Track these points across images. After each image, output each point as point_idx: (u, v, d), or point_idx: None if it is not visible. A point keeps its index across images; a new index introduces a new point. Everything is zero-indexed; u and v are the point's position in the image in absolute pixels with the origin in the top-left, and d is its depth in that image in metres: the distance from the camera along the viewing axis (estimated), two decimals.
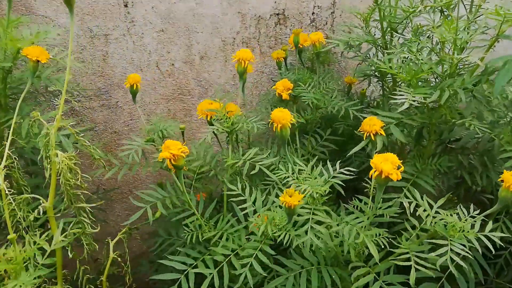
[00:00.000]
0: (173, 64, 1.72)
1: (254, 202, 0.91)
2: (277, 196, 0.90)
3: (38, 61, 0.92)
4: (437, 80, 1.04)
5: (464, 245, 0.77)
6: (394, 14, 1.12)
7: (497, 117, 1.07)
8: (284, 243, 0.78)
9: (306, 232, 0.76)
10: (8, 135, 0.89)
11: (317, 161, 1.26)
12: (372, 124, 0.91)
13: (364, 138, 0.93)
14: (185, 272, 0.93)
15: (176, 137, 1.34)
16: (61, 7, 1.50)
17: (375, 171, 0.79)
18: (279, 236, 0.79)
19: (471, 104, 1.03)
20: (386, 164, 0.78)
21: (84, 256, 0.89)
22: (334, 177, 0.86)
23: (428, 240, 0.80)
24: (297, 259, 0.91)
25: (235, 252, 0.89)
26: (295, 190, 0.77)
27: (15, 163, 0.90)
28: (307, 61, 1.79)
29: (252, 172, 0.93)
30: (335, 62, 1.85)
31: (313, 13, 1.79)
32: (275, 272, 0.92)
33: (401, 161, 0.78)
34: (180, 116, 1.81)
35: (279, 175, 0.85)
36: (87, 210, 0.94)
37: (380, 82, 1.33)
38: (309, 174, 0.84)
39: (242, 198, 0.93)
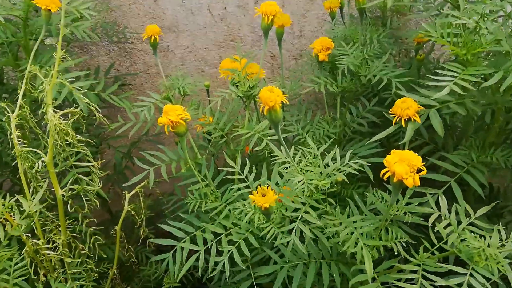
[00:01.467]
0: (225, 8, 1.60)
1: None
2: (280, 177, 0.79)
3: (49, 9, 0.88)
4: None
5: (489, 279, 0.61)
6: None
7: None
8: (266, 240, 0.70)
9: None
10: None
11: (350, 137, 1.11)
12: (405, 107, 0.73)
13: (393, 124, 0.76)
14: (183, 241, 0.89)
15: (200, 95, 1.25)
16: None
17: (387, 171, 0.64)
18: (265, 228, 0.70)
19: None
20: (400, 166, 0.62)
21: (87, 210, 0.91)
22: (339, 169, 0.72)
23: (443, 265, 0.64)
24: (297, 250, 0.82)
25: (229, 232, 0.83)
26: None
27: (28, 113, 0.90)
28: (377, 10, 1.53)
29: (256, 148, 0.83)
30: (411, 13, 1.56)
31: None
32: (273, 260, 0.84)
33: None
34: None
35: (277, 160, 0.73)
36: (95, 166, 0.94)
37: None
38: (312, 161, 0.71)
39: (241, 176, 0.83)
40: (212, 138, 1.00)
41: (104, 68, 1.61)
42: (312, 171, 0.68)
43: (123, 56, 1.67)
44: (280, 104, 0.62)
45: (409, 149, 1.13)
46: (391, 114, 0.76)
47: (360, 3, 0.95)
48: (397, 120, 0.75)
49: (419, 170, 0.63)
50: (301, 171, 0.69)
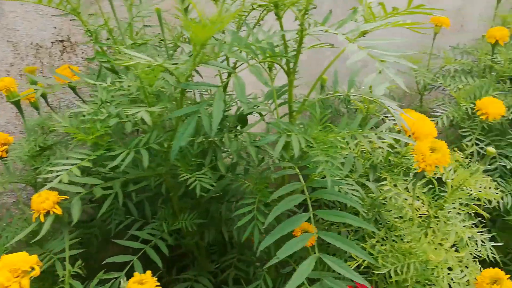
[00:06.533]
0: None
1: None
2: None
3: None
4: None
5: None
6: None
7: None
8: None
9: None
10: None
11: None
12: (40, 201, 0.69)
13: (34, 220, 0.71)
14: None
15: None
16: None
17: None
18: None
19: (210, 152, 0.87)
20: (2, 274, 0.56)
21: None
22: None
23: None
24: None
25: None
26: None
27: None
28: None
29: None
30: None
31: (108, 38, 1.56)
32: None
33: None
34: None
35: None
36: None
37: None
38: None
39: None
40: None
41: None
42: None
43: None
44: None
45: (121, 228, 1.12)
46: (32, 210, 0.71)
47: (9, 97, 0.91)
48: (37, 216, 0.70)
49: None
50: None
